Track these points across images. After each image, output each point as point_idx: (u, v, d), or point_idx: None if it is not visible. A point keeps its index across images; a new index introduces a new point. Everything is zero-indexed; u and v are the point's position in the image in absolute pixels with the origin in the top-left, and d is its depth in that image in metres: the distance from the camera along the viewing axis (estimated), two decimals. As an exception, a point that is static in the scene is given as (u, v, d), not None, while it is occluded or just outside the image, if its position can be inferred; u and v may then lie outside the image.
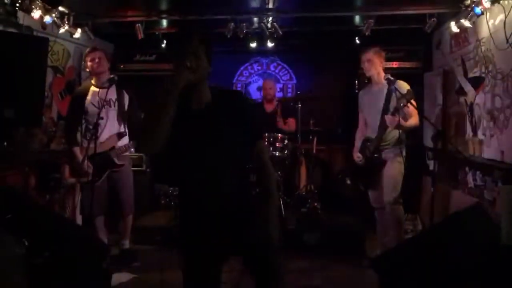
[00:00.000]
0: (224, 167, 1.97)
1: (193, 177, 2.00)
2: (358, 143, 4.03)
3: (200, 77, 1.92)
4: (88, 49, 3.97)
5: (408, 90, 3.63)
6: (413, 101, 3.57)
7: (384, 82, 3.74)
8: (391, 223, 3.77)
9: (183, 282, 2.02)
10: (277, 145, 4.75)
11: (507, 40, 3.40)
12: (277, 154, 4.72)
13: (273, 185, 2.06)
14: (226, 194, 1.97)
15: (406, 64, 5.42)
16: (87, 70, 3.99)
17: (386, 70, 3.97)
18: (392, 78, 3.66)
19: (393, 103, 3.68)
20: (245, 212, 2.00)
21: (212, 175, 1.96)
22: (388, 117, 3.65)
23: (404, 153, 3.78)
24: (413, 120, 3.70)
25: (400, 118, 3.59)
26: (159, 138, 1.83)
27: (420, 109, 4.07)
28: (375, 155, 3.80)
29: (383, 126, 3.72)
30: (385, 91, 3.74)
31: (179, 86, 1.83)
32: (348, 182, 4.40)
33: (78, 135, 3.89)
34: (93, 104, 3.79)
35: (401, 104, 3.56)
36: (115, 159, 3.82)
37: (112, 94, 3.78)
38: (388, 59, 5.16)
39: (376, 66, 3.83)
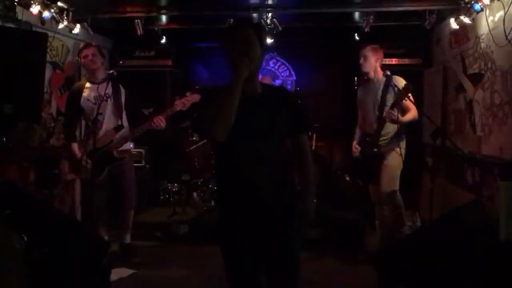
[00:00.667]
0: (269, 158, 2.00)
1: (237, 167, 2.00)
2: (357, 137, 4.07)
3: (256, 66, 1.98)
4: (81, 45, 3.95)
5: (405, 85, 3.65)
6: (410, 95, 3.62)
7: (381, 78, 3.81)
8: (391, 215, 3.79)
9: (225, 275, 2.05)
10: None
11: (506, 36, 3.40)
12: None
13: (311, 181, 2.16)
14: (268, 187, 2.00)
15: (406, 61, 5.39)
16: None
17: (385, 66, 3.99)
18: (389, 74, 3.71)
19: (390, 98, 3.73)
20: (285, 207, 2.04)
21: (257, 166, 1.98)
22: (386, 111, 3.69)
23: (403, 147, 3.81)
24: (411, 114, 3.75)
25: (398, 113, 3.62)
26: (230, 126, 1.87)
27: (419, 106, 4.08)
28: (375, 149, 3.82)
29: (381, 121, 3.76)
30: (382, 87, 3.78)
31: (245, 76, 1.89)
32: (347, 178, 4.41)
33: (78, 133, 3.89)
34: (90, 101, 3.79)
35: (398, 99, 3.60)
36: (114, 153, 3.82)
37: (108, 89, 3.78)
38: (387, 56, 5.15)
39: (371, 62, 3.88)
